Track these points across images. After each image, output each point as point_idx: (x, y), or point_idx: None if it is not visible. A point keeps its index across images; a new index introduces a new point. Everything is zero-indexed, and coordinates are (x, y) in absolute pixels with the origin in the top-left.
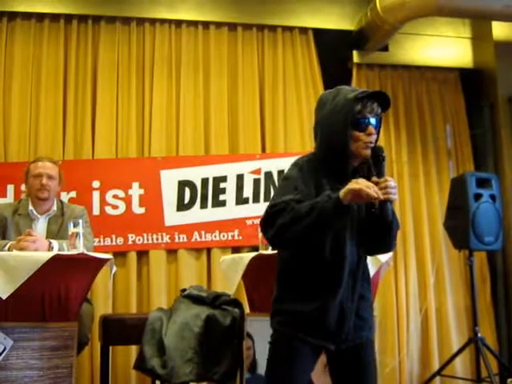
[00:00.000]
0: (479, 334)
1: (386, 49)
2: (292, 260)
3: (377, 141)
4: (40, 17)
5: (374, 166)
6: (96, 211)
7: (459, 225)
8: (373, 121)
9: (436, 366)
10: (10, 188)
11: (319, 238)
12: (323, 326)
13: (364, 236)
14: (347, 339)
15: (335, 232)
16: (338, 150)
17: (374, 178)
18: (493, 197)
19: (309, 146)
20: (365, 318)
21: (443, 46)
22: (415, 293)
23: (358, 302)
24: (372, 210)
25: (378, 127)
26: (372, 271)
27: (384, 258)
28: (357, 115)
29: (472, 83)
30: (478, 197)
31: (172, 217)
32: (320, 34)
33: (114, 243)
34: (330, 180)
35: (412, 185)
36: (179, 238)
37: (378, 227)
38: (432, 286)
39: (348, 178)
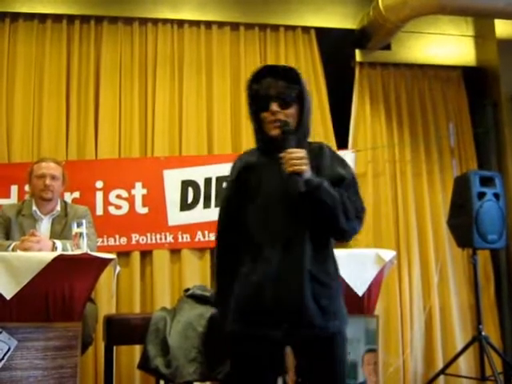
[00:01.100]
0: (483, 333)
1: (388, 47)
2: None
3: (302, 118)
4: (42, 17)
5: (281, 141)
6: (99, 211)
7: (463, 223)
8: (274, 97)
9: (440, 364)
10: (14, 189)
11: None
12: (260, 310)
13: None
14: (301, 325)
15: (252, 212)
16: (257, 137)
17: (281, 154)
18: (496, 195)
19: None
20: (323, 305)
21: (446, 45)
22: (419, 291)
23: (311, 286)
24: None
25: (287, 102)
26: (375, 270)
27: (387, 256)
28: (255, 96)
29: (475, 81)
30: (481, 195)
31: (175, 216)
32: (322, 33)
33: (117, 243)
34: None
35: (415, 184)
36: (182, 238)
37: (310, 204)
38: (436, 285)
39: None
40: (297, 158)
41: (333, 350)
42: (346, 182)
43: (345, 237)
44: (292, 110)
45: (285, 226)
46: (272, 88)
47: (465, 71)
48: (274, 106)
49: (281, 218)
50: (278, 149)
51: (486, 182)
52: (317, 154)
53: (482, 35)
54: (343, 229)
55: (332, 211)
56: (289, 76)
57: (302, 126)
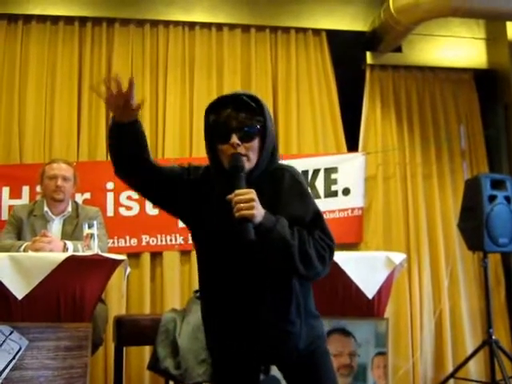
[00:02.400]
0: (493, 336)
1: (399, 50)
2: None
3: (262, 153)
4: (55, 19)
5: (232, 179)
6: (110, 212)
7: (473, 226)
8: (235, 129)
9: (450, 368)
10: (26, 189)
11: None
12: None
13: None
14: (261, 351)
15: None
16: (212, 169)
17: (228, 197)
18: (507, 198)
19: (321, 148)
20: (283, 346)
21: (457, 47)
22: (429, 295)
23: (268, 335)
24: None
25: (249, 135)
26: (385, 273)
27: (398, 259)
28: (213, 126)
29: (486, 84)
30: (492, 198)
31: None
32: (333, 35)
33: (127, 244)
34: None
35: (426, 186)
36: None
37: (262, 250)
38: (446, 288)
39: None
40: (245, 200)
41: (311, 369)
42: (306, 223)
43: (305, 279)
44: (254, 144)
45: (240, 273)
46: (233, 119)
47: (476, 74)
48: (235, 139)
49: (235, 265)
50: (231, 187)
51: (497, 185)
52: (276, 185)
53: (494, 38)
54: (301, 274)
55: (285, 257)
56: (251, 107)
57: (262, 161)
